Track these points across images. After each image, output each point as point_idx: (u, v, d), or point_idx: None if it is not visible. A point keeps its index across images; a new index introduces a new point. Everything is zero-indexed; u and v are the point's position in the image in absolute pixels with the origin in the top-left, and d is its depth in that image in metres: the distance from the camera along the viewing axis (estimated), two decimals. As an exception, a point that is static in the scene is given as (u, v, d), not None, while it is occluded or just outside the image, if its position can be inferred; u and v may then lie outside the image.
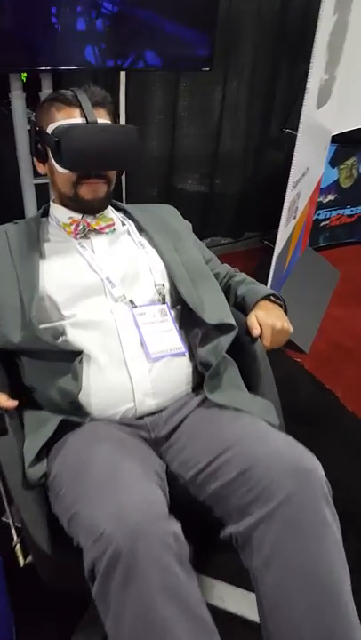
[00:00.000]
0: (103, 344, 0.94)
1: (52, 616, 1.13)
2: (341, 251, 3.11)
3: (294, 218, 2.20)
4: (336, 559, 0.73)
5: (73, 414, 0.90)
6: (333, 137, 2.56)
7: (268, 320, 1.05)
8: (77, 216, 1.05)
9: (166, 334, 0.98)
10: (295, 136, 1.75)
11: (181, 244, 1.11)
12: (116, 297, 0.98)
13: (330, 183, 2.88)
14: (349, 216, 3.09)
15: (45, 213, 1.11)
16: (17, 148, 1.81)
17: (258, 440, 0.83)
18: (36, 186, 1.90)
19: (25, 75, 1.73)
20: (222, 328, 1.00)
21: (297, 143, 1.76)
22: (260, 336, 1.05)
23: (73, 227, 1.04)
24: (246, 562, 0.76)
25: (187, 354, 1.00)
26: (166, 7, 1.72)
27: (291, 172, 1.82)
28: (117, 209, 1.16)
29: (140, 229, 1.12)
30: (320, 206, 2.91)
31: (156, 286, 1.03)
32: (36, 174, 1.87)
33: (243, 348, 1.09)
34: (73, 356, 0.91)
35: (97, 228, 1.05)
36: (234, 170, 2.86)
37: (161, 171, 2.60)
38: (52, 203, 1.10)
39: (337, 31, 1.89)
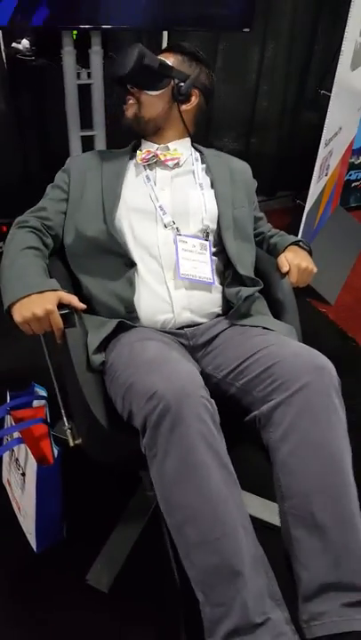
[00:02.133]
0: (148, 262, 1.12)
1: (98, 510, 1.33)
2: (371, 212, 3.18)
3: (326, 175, 2.30)
4: (341, 436, 0.88)
5: (127, 318, 1.08)
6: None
7: (295, 260, 1.22)
8: (153, 147, 1.22)
9: (200, 264, 1.14)
10: (330, 97, 1.85)
11: (239, 200, 1.25)
12: (165, 223, 1.14)
13: (362, 144, 2.93)
14: (381, 177, 3.14)
15: (134, 148, 1.28)
16: (66, 101, 1.95)
17: (280, 345, 0.98)
18: (82, 138, 2.04)
19: (76, 32, 1.85)
20: (247, 280, 1.17)
21: (330, 103, 1.85)
22: (288, 273, 1.22)
23: (144, 154, 1.20)
24: (266, 437, 0.90)
25: (215, 284, 1.16)
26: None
27: (323, 131, 1.92)
28: (198, 151, 1.29)
29: (208, 171, 1.25)
30: (352, 167, 2.97)
31: (203, 223, 1.18)
32: (83, 126, 2.03)
33: (272, 283, 1.26)
34: (128, 267, 1.10)
35: (162, 159, 1.20)
36: (269, 130, 2.93)
37: (197, 128, 2.69)
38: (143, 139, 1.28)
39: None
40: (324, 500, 0.83)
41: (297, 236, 2.15)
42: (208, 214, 1.19)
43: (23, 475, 1.14)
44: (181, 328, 1.13)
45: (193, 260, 1.13)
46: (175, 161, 1.21)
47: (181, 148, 1.24)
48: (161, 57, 1.19)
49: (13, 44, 1.96)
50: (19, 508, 1.23)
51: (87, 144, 2.04)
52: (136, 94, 1.19)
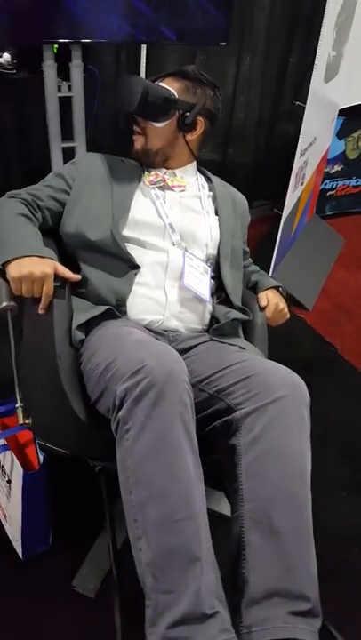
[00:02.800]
0: (152, 267, 1.14)
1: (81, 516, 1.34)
2: (347, 220, 3.27)
3: (301, 184, 2.36)
4: (306, 448, 0.90)
5: (115, 310, 1.10)
6: (341, 110, 2.70)
7: (274, 299, 1.32)
8: (162, 171, 1.25)
9: (201, 282, 1.18)
10: (305, 108, 1.91)
11: (237, 232, 1.31)
12: (173, 241, 1.18)
13: (337, 154, 3.03)
14: (355, 186, 3.24)
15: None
16: (47, 114, 1.98)
17: (256, 361, 1.02)
18: (63, 149, 2.07)
19: (56, 46, 1.89)
20: (238, 308, 1.23)
21: (305, 114, 1.92)
22: (265, 308, 1.30)
23: (152, 177, 1.24)
24: (234, 441, 0.91)
25: (208, 304, 1.20)
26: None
27: (299, 141, 1.98)
28: (205, 175, 1.34)
29: (214, 200, 1.29)
30: (327, 176, 3.06)
31: (207, 249, 1.23)
32: (64, 138, 2.06)
33: (250, 311, 1.31)
34: (131, 268, 1.13)
35: (170, 185, 1.23)
36: (246, 140, 3.00)
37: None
38: None
39: (344, 12, 2.03)
40: (284, 508, 0.84)
41: (275, 244, 2.24)
42: (212, 241, 1.24)
43: (9, 482, 1.15)
44: (165, 330, 1.16)
45: (195, 276, 1.17)
46: (182, 188, 1.25)
47: (187, 176, 1.28)
48: (164, 83, 1.21)
49: (-6, 57, 1.98)
50: (4, 516, 1.24)
51: (68, 155, 2.07)
52: (142, 126, 1.22)
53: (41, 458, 1.12)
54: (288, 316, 1.34)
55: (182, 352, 1.13)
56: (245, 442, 0.90)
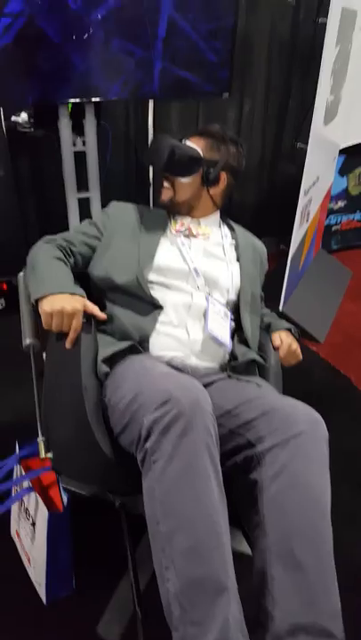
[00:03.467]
0: (176, 307, 1.19)
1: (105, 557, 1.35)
2: (353, 253, 3.33)
3: (307, 222, 2.44)
4: (327, 485, 0.92)
5: (141, 344, 1.15)
6: (342, 149, 2.80)
7: (287, 340, 1.35)
8: (187, 220, 1.33)
9: (223, 328, 1.23)
10: (306, 149, 2.00)
11: (256, 280, 1.38)
12: (198, 284, 1.24)
13: (340, 191, 3.12)
14: (359, 221, 3.32)
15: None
16: (63, 167, 2.10)
17: (276, 397, 1.06)
18: (79, 199, 2.18)
19: (70, 105, 2.02)
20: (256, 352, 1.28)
21: (307, 155, 2.00)
22: (279, 348, 1.34)
23: (178, 226, 1.32)
24: (256, 476, 0.94)
25: (229, 349, 1.23)
26: (190, 50, 2.00)
27: (302, 181, 2.06)
28: (227, 224, 1.42)
29: (237, 248, 1.36)
30: (331, 212, 3.14)
31: (228, 295, 1.29)
32: (79, 189, 2.17)
33: (263, 351, 1.36)
34: (155, 307, 1.19)
35: (195, 234, 1.31)
36: (250, 182, 3.12)
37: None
38: None
39: (340, 59, 2.14)
40: (307, 541, 0.85)
41: (283, 279, 2.30)
42: (233, 287, 1.29)
43: (33, 524, 1.17)
44: (184, 367, 1.19)
45: (218, 322, 1.22)
46: (206, 236, 1.32)
47: (211, 225, 1.36)
48: (191, 141, 1.30)
49: (13, 118, 2.12)
50: (28, 560, 1.25)
51: (84, 205, 2.17)
52: (170, 180, 1.31)
53: (65, 499, 1.14)
54: (300, 357, 1.37)
55: None
56: (267, 476, 0.92)
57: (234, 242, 1.38)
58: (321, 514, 0.89)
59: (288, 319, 2.35)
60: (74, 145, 2.07)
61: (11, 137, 2.20)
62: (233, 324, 1.29)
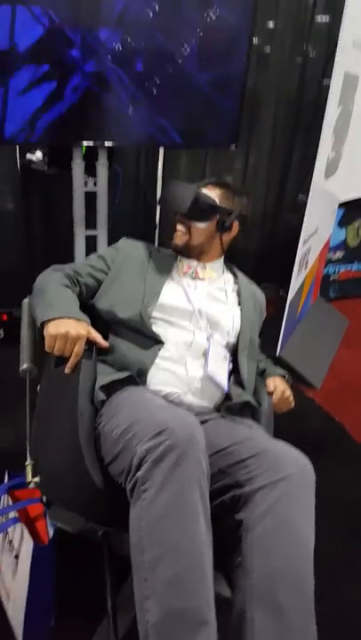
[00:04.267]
0: (177, 344, 1.22)
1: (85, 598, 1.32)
2: (350, 302, 3.38)
3: (305, 269, 2.50)
4: (312, 530, 0.93)
5: (139, 376, 1.17)
6: (341, 202, 2.91)
7: (281, 386, 1.38)
8: (194, 263, 1.38)
9: (222, 371, 1.25)
10: (307, 202, 2.09)
11: (255, 326, 1.42)
12: (200, 325, 1.27)
13: (339, 242, 3.21)
14: (356, 271, 3.39)
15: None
16: (74, 206, 2.18)
17: (267, 439, 1.08)
18: (86, 237, 2.25)
19: (84, 148, 2.12)
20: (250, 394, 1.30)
21: (307, 207, 2.09)
22: (272, 393, 1.36)
23: (186, 268, 1.37)
24: (242, 515, 0.94)
25: (226, 391, 1.25)
26: (202, 104, 2.12)
27: (302, 231, 2.14)
28: (231, 270, 1.47)
29: (238, 294, 1.40)
30: (330, 262, 3.22)
31: (228, 338, 1.32)
32: (87, 227, 2.24)
33: (257, 395, 1.37)
34: (156, 342, 1.21)
35: (201, 277, 1.36)
36: (254, 230, 3.22)
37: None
38: None
39: (342, 119, 2.26)
40: (288, 583, 0.85)
41: (281, 323, 2.34)
42: (234, 330, 1.33)
43: (16, 557, 1.16)
44: (180, 403, 1.20)
45: (218, 363, 1.25)
46: (211, 280, 1.38)
47: (216, 269, 1.41)
48: (207, 190, 1.36)
49: (28, 155, 2.22)
50: (7, 595, 1.23)
51: (90, 242, 2.24)
52: (187, 225, 1.36)
53: (51, 532, 1.13)
54: (293, 404, 1.40)
55: None
56: (253, 517, 0.92)
57: (236, 287, 1.43)
58: (305, 558, 0.89)
59: (285, 364, 2.38)
60: (85, 185, 2.16)
61: (24, 173, 2.30)
62: (231, 366, 1.31)
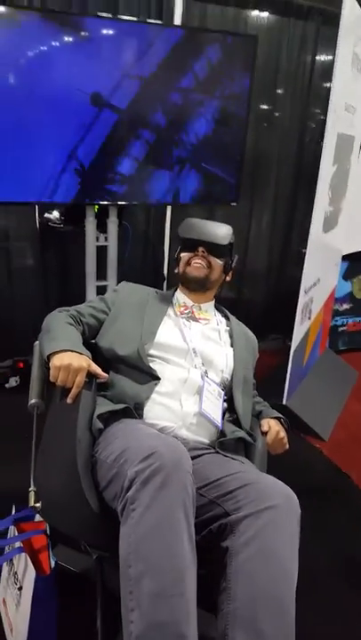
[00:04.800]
0: (172, 380, 1.29)
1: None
2: (359, 355, 3.41)
3: (309, 319, 2.58)
4: (294, 557, 0.96)
5: (135, 409, 1.23)
6: (346, 255, 3.03)
7: (276, 427, 1.43)
8: (190, 303, 1.48)
9: (215, 407, 1.31)
10: (306, 253, 2.21)
11: (248, 365, 1.49)
12: (195, 363, 1.34)
13: (345, 294, 3.30)
14: (365, 323, 3.46)
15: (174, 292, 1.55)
16: (86, 259, 2.34)
17: (256, 473, 1.13)
18: (97, 287, 2.39)
19: (97, 207, 2.29)
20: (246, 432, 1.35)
21: (305, 259, 2.21)
22: (267, 433, 1.41)
23: (182, 309, 1.46)
24: (228, 543, 0.97)
25: (220, 428, 1.30)
26: (205, 162, 2.31)
27: (302, 281, 2.24)
28: (222, 312, 1.56)
29: (230, 335, 1.48)
30: (337, 313, 3.30)
31: (222, 376, 1.39)
32: (98, 278, 2.38)
33: (253, 445, 1.41)
34: (153, 378, 1.28)
35: (197, 317, 1.45)
36: (259, 283, 3.36)
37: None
38: (178, 290, 1.54)
39: (338, 176, 2.43)
40: (269, 609, 0.89)
41: (286, 372, 2.39)
42: (227, 368, 1.40)
43: (20, 589, 1.18)
44: (175, 437, 1.25)
45: (211, 402, 1.31)
46: (206, 321, 1.47)
47: (210, 310, 1.51)
48: None
49: (46, 215, 2.41)
50: (11, 629, 1.24)
51: (101, 292, 2.37)
52: (207, 259, 1.46)
53: (52, 563, 1.16)
54: (287, 446, 1.43)
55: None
56: (238, 543, 0.96)
57: (228, 329, 1.51)
58: (287, 585, 0.92)
59: (292, 414, 2.41)
60: (97, 240, 2.32)
61: (42, 231, 2.48)
62: (225, 405, 1.36)
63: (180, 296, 1.52)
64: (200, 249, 1.46)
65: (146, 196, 2.28)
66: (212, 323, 1.49)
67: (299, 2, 2.80)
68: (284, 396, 2.41)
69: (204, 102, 2.22)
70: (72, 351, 1.21)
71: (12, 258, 2.60)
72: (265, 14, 2.78)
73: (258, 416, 1.50)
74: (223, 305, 1.62)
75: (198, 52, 2.15)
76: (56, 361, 1.18)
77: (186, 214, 2.93)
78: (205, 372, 1.35)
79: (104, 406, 1.21)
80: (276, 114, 3.02)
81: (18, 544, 1.20)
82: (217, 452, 1.25)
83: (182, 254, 1.50)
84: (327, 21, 2.82)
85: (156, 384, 1.28)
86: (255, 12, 2.75)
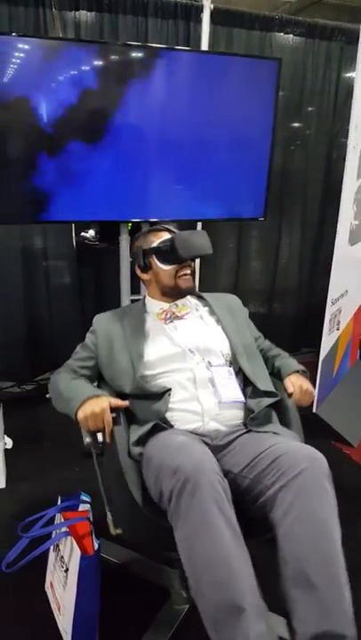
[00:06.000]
0: (183, 385, 1.37)
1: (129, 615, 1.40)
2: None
3: (337, 330, 2.63)
4: (331, 514, 1.06)
5: (162, 422, 1.32)
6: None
7: (297, 382, 1.48)
8: (165, 306, 1.52)
9: (232, 387, 1.39)
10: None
11: (241, 328, 1.55)
12: (195, 360, 1.42)
13: (374, 306, 3.31)
14: (395, 335, 3.45)
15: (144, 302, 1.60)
16: (121, 274, 2.46)
17: (284, 444, 1.21)
18: (131, 300, 2.51)
19: (130, 224, 2.43)
20: (267, 392, 1.43)
21: (332, 270, 2.28)
22: (293, 394, 1.47)
23: (163, 315, 1.51)
24: (272, 516, 1.09)
25: (244, 402, 1.39)
26: (234, 179, 2.43)
27: (328, 292, 2.31)
28: (196, 295, 1.61)
29: (213, 313, 1.55)
30: (368, 325, 3.30)
31: (223, 355, 1.46)
32: (133, 292, 2.51)
33: (281, 401, 1.49)
34: (164, 392, 1.35)
35: (179, 315, 1.51)
36: (290, 297, 3.42)
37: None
38: (147, 298, 1.58)
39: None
40: (316, 563, 1.00)
41: (315, 383, 2.44)
42: (225, 347, 1.47)
43: (66, 571, 1.27)
44: (207, 432, 1.34)
45: (226, 385, 1.39)
46: (187, 312, 1.52)
47: (186, 302, 1.55)
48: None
49: (82, 233, 2.56)
50: (59, 609, 1.33)
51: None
52: (191, 267, 1.53)
53: (96, 546, 1.25)
54: (314, 393, 1.49)
55: (225, 447, 1.32)
56: (279, 514, 1.07)
57: (207, 308, 1.57)
58: (326, 538, 1.02)
59: (320, 421, 2.45)
60: (130, 256, 2.45)
61: (79, 249, 2.64)
62: (240, 377, 1.43)
63: (152, 304, 1.56)
64: (189, 262, 1.51)
65: (177, 212, 2.40)
66: (192, 311, 1.53)
67: (322, 23, 2.91)
68: (314, 404, 2.45)
69: (231, 123, 2.34)
70: (88, 398, 1.28)
71: (50, 276, 2.76)
72: (290, 36, 2.88)
73: (279, 373, 1.54)
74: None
75: (225, 75, 2.27)
76: (80, 414, 1.26)
77: (216, 229, 3.08)
78: (209, 362, 1.41)
79: (135, 432, 1.30)
80: (305, 132, 3.12)
81: (64, 529, 1.29)
82: (249, 431, 1.33)
83: (164, 267, 1.50)
84: (351, 41, 2.92)
85: (169, 395, 1.36)
86: (280, 35, 2.86)
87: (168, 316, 1.51)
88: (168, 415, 1.35)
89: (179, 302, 1.54)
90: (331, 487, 1.10)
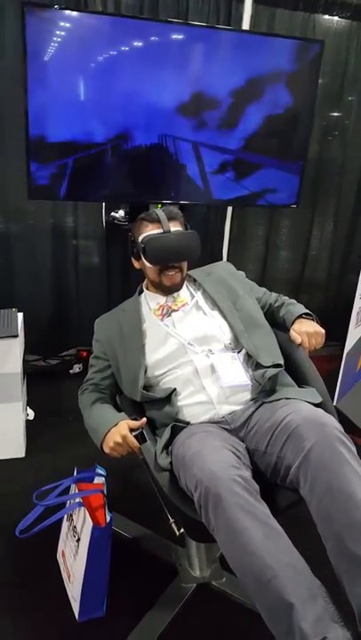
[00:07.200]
0: (187, 380, 1.37)
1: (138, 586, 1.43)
2: None
3: (365, 323, 2.58)
4: (354, 481, 1.03)
5: (178, 422, 1.32)
6: None
7: (302, 328, 1.45)
8: (162, 300, 1.49)
9: (236, 371, 1.37)
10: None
11: (239, 300, 1.50)
12: (195, 351, 1.38)
13: None
14: None
15: (140, 291, 1.58)
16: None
17: (296, 413, 1.21)
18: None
19: (160, 205, 2.42)
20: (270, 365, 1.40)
21: (363, 262, 2.23)
22: (301, 343, 1.44)
23: (160, 311, 1.48)
24: (301, 492, 1.10)
25: (250, 384, 1.36)
26: (268, 163, 2.40)
27: (358, 285, 2.26)
28: (188, 278, 1.55)
29: (207, 296, 1.50)
30: (395, 321, 3.24)
31: (223, 341, 1.42)
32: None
33: (291, 355, 1.47)
34: (171, 392, 1.35)
35: (175, 308, 1.47)
36: (318, 289, 3.36)
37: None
38: (145, 289, 1.57)
39: None
40: (353, 535, 0.98)
41: (338, 378, 2.40)
42: (223, 331, 1.43)
43: (78, 540, 1.30)
44: (223, 417, 1.34)
45: (229, 370, 1.37)
46: (186, 305, 1.48)
47: (182, 291, 1.51)
48: (171, 226, 1.45)
49: (112, 213, 2.57)
50: (69, 577, 1.36)
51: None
52: (182, 265, 1.47)
53: (108, 518, 1.28)
54: (323, 331, 1.45)
55: (243, 426, 1.33)
56: (306, 492, 1.08)
57: (201, 290, 1.52)
58: (357, 508, 1.00)
59: (340, 414, 2.42)
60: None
61: (108, 229, 2.64)
62: (244, 356, 1.41)
63: (149, 297, 1.53)
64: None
65: (208, 196, 2.38)
66: (188, 300, 1.49)
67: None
68: (335, 398, 2.42)
69: (269, 106, 2.30)
70: (109, 429, 1.29)
71: (79, 254, 2.78)
72: (334, 19, 2.79)
73: (284, 326, 1.51)
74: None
75: (265, 56, 2.23)
76: (105, 448, 1.28)
77: (246, 215, 3.05)
78: (209, 350, 1.39)
79: (159, 441, 1.30)
80: (345, 121, 3.03)
81: (78, 500, 1.32)
82: (263, 404, 1.33)
83: (147, 263, 1.44)
84: None
85: (175, 394, 1.36)
86: (324, 17, 2.76)
87: (165, 311, 1.48)
88: (181, 414, 1.35)
89: (175, 295, 1.50)
90: (344, 447, 1.08)
